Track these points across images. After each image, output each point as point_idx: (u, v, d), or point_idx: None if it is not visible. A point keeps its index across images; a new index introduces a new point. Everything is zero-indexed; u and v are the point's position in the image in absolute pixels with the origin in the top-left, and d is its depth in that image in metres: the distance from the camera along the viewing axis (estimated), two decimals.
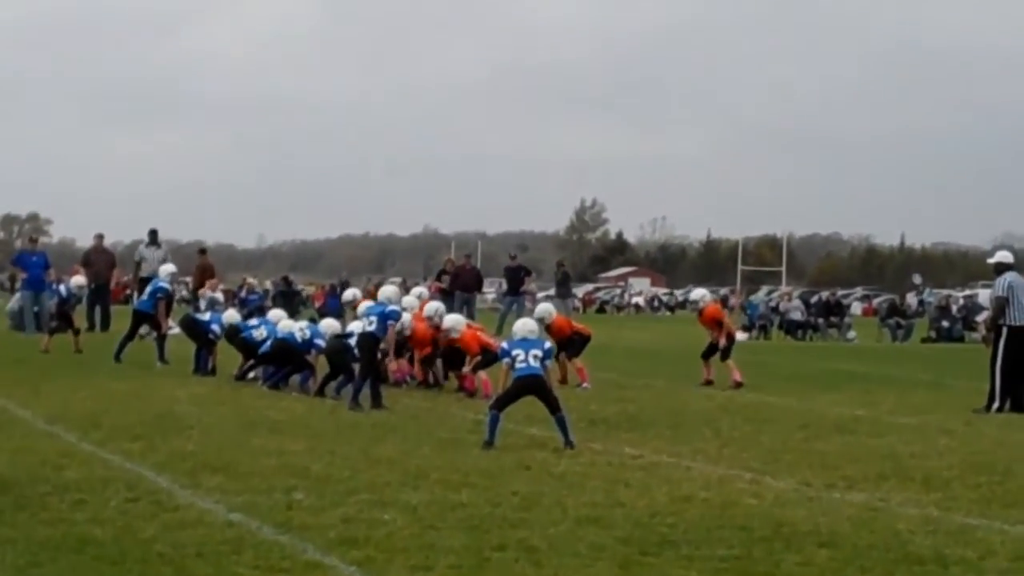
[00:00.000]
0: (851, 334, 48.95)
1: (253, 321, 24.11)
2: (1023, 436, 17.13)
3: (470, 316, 40.60)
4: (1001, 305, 20.59)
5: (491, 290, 78.88)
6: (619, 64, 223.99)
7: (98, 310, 37.44)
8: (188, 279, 52.40)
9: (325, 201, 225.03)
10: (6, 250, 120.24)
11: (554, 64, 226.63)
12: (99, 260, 38.34)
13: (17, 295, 38.41)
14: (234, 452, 13.99)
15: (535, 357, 15.09)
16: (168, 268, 28.62)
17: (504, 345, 15.58)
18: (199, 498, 11.24)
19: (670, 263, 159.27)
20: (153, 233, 39.03)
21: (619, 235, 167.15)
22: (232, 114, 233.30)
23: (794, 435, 16.59)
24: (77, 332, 29.26)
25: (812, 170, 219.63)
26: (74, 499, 11.03)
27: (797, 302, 51.99)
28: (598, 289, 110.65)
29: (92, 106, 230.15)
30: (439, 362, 22.23)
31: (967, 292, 76.12)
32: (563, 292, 47.12)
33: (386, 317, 19.45)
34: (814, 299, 55.52)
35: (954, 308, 54.24)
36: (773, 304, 54.65)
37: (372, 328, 19.31)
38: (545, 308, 21.06)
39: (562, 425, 14.86)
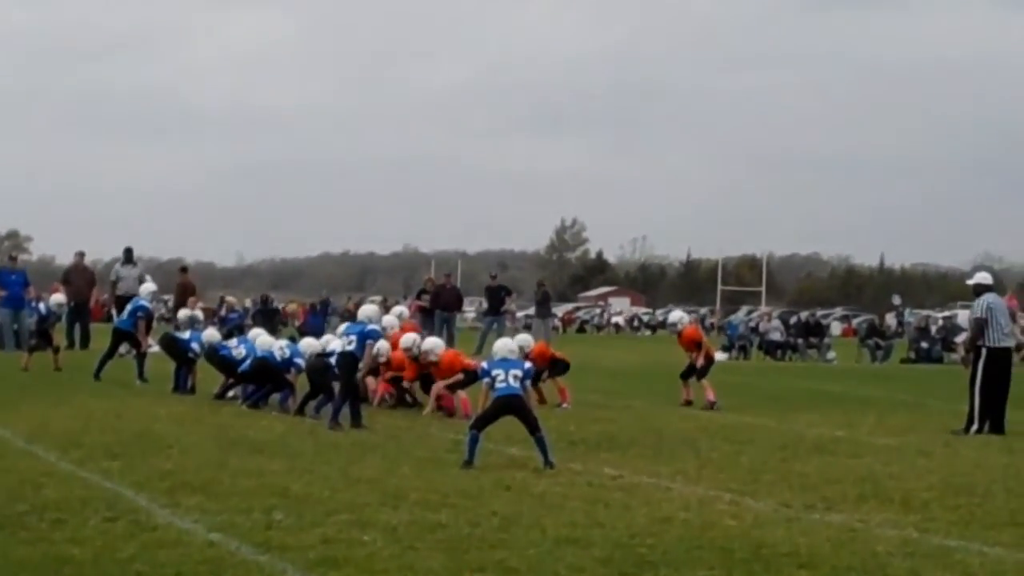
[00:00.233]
0: (831, 355, 49.02)
1: (233, 341, 24.09)
2: (1002, 458, 17.16)
3: (450, 335, 40.76)
4: (980, 326, 20.65)
5: (471, 309, 78.96)
6: (600, 83, 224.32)
7: (78, 328, 37.40)
8: (168, 297, 52.42)
9: (305, 219, 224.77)
10: None
11: (535, 82, 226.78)
12: (79, 278, 38.31)
13: None
14: (213, 471, 13.96)
15: (515, 377, 15.10)
16: (149, 287, 28.60)
17: (484, 365, 15.59)
18: (178, 518, 11.22)
19: (650, 283, 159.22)
20: (128, 251, 39.03)
21: (599, 254, 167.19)
22: (212, 132, 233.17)
23: (773, 456, 16.61)
24: (57, 350, 29.22)
25: (792, 190, 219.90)
26: (53, 518, 11.00)
27: (777, 322, 52.08)
28: (578, 308, 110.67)
29: (71, 123, 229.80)
30: (416, 383, 22.19)
31: (946, 313, 76.23)
32: (543, 312, 47.20)
33: (365, 336, 19.44)
34: (793, 319, 55.56)
35: (933, 329, 54.36)
36: (753, 324, 54.76)
37: (352, 347, 19.30)
38: (524, 338, 21.00)
39: (542, 445, 14.86)
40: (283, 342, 22.58)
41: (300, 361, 21.25)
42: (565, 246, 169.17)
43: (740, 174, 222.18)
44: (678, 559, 9.99)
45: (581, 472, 14.59)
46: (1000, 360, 20.56)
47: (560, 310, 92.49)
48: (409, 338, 21.49)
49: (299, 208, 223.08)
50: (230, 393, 22.62)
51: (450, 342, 38.83)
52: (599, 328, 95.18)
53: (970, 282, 21.60)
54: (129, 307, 27.48)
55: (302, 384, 21.12)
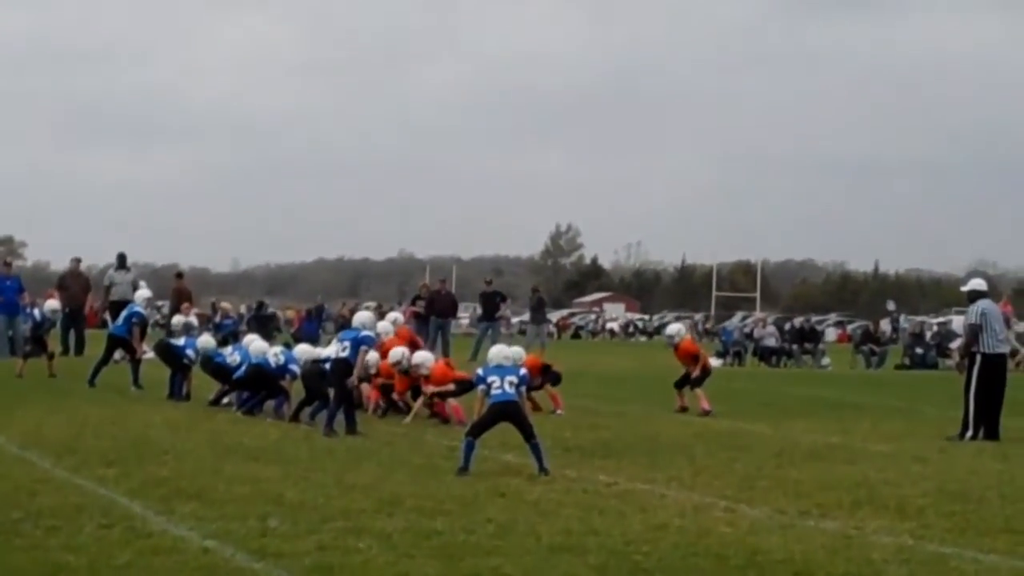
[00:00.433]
0: (825, 360, 49.02)
1: (228, 348, 24.09)
2: (997, 464, 17.17)
3: (445, 341, 40.76)
4: (975, 332, 20.66)
5: (466, 315, 78.98)
6: (594, 90, 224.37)
7: (72, 334, 37.39)
8: (163, 303, 52.38)
9: (300, 225, 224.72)
10: None
11: (529, 89, 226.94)
12: (74, 284, 38.33)
13: None
14: (208, 478, 13.96)
15: (510, 383, 15.12)
16: (144, 293, 28.58)
17: (479, 372, 15.59)
18: (173, 525, 11.23)
19: (645, 288, 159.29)
20: (122, 257, 39.07)
21: (594, 260, 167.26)
22: (206, 136, 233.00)
23: (768, 462, 16.62)
24: (51, 356, 29.21)
25: (786, 196, 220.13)
26: (48, 525, 11.00)
27: (771, 328, 52.05)
28: (573, 314, 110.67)
29: (66, 128, 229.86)
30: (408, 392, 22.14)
31: (941, 319, 76.32)
32: (538, 317, 47.14)
33: (359, 343, 19.44)
34: (788, 325, 55.58)
35: (928, 335, 54.38)
36: (747, 330, 54.74)
37: (346, 354, 19.31)
38: (515, 351, 20.83)
39: (537, 452, 14.87)
40: (278, 348, 22.56)
41: (295, 367, 21.24)
42: (560, 252, 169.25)
43: (735, 179, 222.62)
44: (673, 566, 10.00)
45: (576, 479, 14.60)
46: (995, 366, 20.57)
47: (555, 316, 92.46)
48: (398, 352, 21.37)
49: (294, 213, 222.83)
50: (225, 400, 22.63)
51: (445, 348, 38.98)
52: (594, 334, 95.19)
53: (965, 288, 21.60)
54: (124, 313, 27.46)
55: (297, 390, 21.11)
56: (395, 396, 21.96)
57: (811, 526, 11.96)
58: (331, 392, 19.30)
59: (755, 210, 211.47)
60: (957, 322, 54.17)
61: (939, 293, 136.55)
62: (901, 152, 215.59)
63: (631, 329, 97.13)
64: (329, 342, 22.31)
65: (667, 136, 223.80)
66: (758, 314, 73.74)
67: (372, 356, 20.28)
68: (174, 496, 12.70)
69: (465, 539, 10.84)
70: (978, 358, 20.56)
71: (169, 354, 24.58)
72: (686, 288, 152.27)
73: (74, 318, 37.37)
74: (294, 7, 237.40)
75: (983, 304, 20.82)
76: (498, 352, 15.96)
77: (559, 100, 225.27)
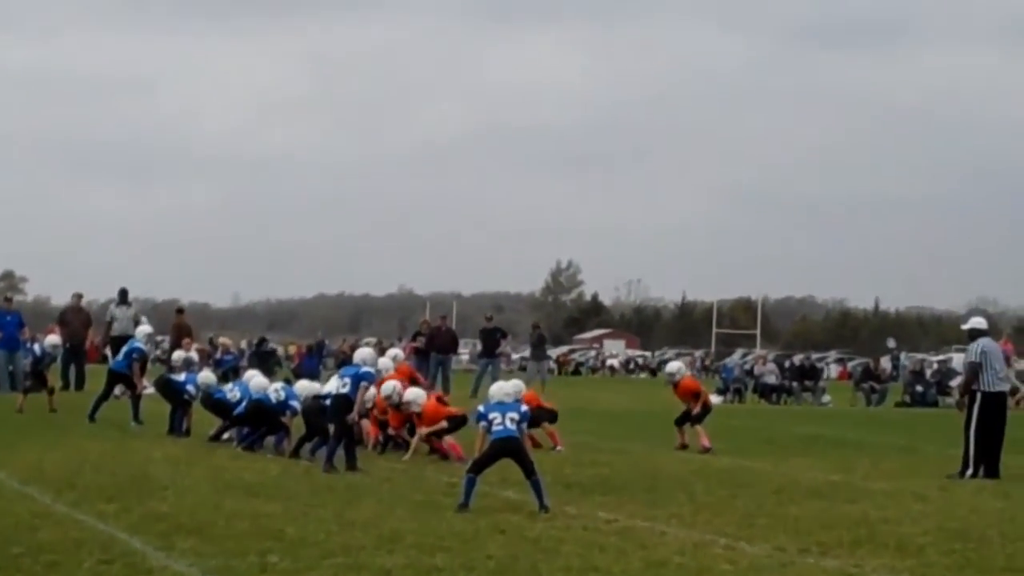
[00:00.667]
0: (825, 398, 48.98)
1: (228, 385, 24.09)
2: (997, 502, 17.15)
3: (445, 377, 40.77)
4: (975, 371, 20.66)
5: (466, 351, 78.97)
6: (595, 127, 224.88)
7: (73, 369, 37.38)
8: (162, 338, 52.36)
9: (300, 260, 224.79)
10: None
11: (530, 127, 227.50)
12: (75, 319, 38.30)
13: None
14: (208, 514, 13.96)
15: (512, 420, 15.13)
16: (145, 329, 28.59)
17: (480, 408, 15.59)
18: (173, 561, 11.22)
19: (645, 325, 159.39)
20: (123, 293, 39.12)
21: (594, 297, 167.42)
22: (208, 173, 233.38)
23: (768, 500, 16.61)
24: (51, 391, 29.20)
25: (787, 233, 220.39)
26: (48, 561, 11.00)
27: (772, 365, 52.00)
28: (573, 351, 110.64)
29: (67, 164, 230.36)
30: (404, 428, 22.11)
31: (941, 357, 76.31)
32: (538, 354, 47.16)
33: (359, 379, 19.44)
34: (788, 363, 55.54)
35: (928, 373, 54.35)
36: (748, 367, 54.70)
37: (347, 390, 19.31)
38: (515, 384, 20.80)
39: (537, 488, 14.86)
40: (278, 384, 22.54)
41: (295, 403, 21.23)
42: (560, 288, 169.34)
43: (735, 217, 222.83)
44: None
45: (576, 516, 14.59)
46: (995, 404, 20.57)
47: (555, 352, 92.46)
48: (389, 386, 21.26)
49: (294, 249, 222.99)
50: (225, 435, 22.62)
51: (445, 384, 38.98)
52: (594, 370, 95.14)
53: (965, 327, 21.60)
54: (124, 349, 27.46)
55: (297, 426, 21.10)
56: (391, 431, 21.93)
57: (811, 564, 11.95)
58: (331, 428, 19.29)
59: (755, 247, 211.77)
60: (957, 360, 54.19)
61: (939, 331, 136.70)
62: (901, 189, 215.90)
63: (631, 366, 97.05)
64: (329, 378, 22.28)
65: (667, 173, 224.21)
66: (758, 351, 73.74)
67: (371, 392, 20.26)
68: (174, 532, 12.69)
69: None
70: (978, 396, 20.55)
71: (169, 390, 24.57)
72: (686, 325, 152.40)
73: (75, 353, 37.38)
74: (296, 44, 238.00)
75: (983, 342, 20.82)
76: (499, 389, 16.00)
77: (560, 137, 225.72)
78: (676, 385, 24.60)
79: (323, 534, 12.78)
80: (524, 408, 15.75)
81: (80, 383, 36.81)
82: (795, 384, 49.86)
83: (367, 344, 43.04)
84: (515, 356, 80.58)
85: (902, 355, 72.73)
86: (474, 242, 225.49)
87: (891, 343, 76.30)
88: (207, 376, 24.70)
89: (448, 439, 20.97)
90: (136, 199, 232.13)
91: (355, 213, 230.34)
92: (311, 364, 51.28)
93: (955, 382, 43.16)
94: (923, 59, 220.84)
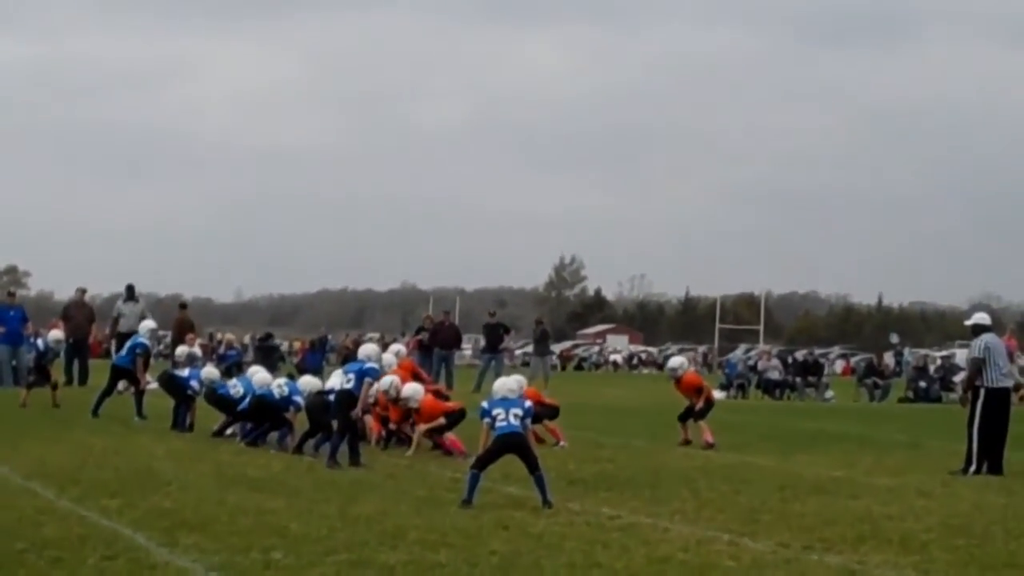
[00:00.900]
0: (829, 394, 48.95)
1: (232, 380, 24.08)
2: (1001, 499, 17.16)
3: (448, 373, 40.80)
4: (978, 366, 20.65)
5: (469, 347, 78.95)
6: (599, 122, 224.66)
7: (76, 364, 37.38)
8: (164, 333, 52.31)
9: (303, 256, 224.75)
10: None
11: (533, 120, 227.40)
12: (78, 314, 38.30)
13: None
14: (212, 510, 13.97)
15: (515, 416, 15.14)
16: (148, 324, 28.57)
17: (484, 405, 15.59)
18: (177, 556, 11.23)
19: (648, 320, 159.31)
20: (130, 288, 39.05)
21: (597, 292, 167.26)
22: (211, 168, 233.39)
23: (772, 496, 16.60)
24: (55, 386, 29.20)
25: (790, 229, 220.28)
26: (52, 556, 11.01)
27: (775, 361, 51.97)
28: (576, 346, 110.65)
29: (70, 159, 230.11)
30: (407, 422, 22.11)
31: (944, 352, 76.19)
32: (541, 349, 47.16)
33: (363, 375, 19.43)
34: (791, 358, 55.50)
35: (931, 368, 54.27)
36: (751, 363, 54.68)
37: (350, 385, 19.30)
38: (516, 380, 20.77)
39: (541, 484, 14.87)
40: (281, 380, 22.54)
41: (299, 399, 21.22)
42: (564, 283, 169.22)
43: (738, 212, 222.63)
44: None
45: (579, 512, 14.60)
46: (998, 400, 20.55)
47: (558, 348, 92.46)
48: (387, 380, 21.27)
49: (298, 244, 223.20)
50: (228, 431, 22.62)
51: (449, 380, 39.01)
52: (597, 366, 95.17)
53: (968, 322, 21.59)
54: (128, 344, 27.47)
55: (301, 422, 21.10)
56: (392, 426, 21.93)
57: (815, 560, 11.95)
58: (335, 424, 19.29)
59: (759, 242, 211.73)
60: (961, 356, 54.04)
61: (943, 326, 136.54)
62: (905, 185, 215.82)
63: (635, 361, 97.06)
64: (332, 373, 22.28)
65: (671, 169, 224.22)
66: (762, 347, 73.64)
67: (375, 388, 20.26)
68: (178, 527, 12.70)
69: (469, 572, 10.85)
70: (982, 392, 20.54)
71: (173, 385, 24.59)
72: (689, 320, 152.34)
73: (78, 348, 37.36)
74: (299, 42, 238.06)
75: (987, 338, 20.81)
76: (502, 385, 16.00)
77: (564, 133, 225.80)
78: (678, 381, 24.58)
79: (326, 530, 12.79)
80: (528, 404, 15.77)
81: (83, 378, 36.81)
82: (798, 380, 49.84)
83: (370, 340, 43.13)
84: (518, 351, 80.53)
85: (905, 351, 72.65)
86: (477, 237, 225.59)
87: (894, 338, 76.24)
88: (211, 371, 24.71)
89: (449, 435, 20.97)
90: (140, 193, 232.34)
91: (358, 208, 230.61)
92: (314, 360, 51.19)
93: (958, 378, 43.13)
94: (926, 55, 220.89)
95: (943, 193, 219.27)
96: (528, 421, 15.65)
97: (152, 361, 29.27)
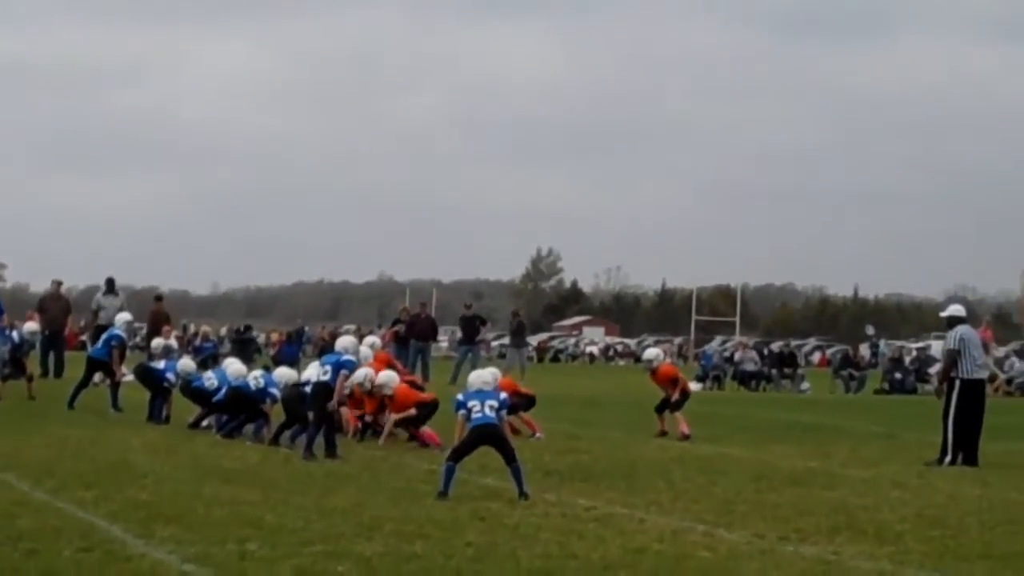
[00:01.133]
0: (804, 385, 49.08)
1: (208, 373, 24.04)
2: (975, 489, 17.22)
3: (424, 364, 40.78)
4: (953, 358, 20.72)
5: (445, 339, 78.92)
6: (576, 114, 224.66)
7: (52, 356, 37.26)
8: (140, 325, 52.23)
9: (279, 248, 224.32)
10: None
11: (510, 115, 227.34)
12: (54, 306, 38.15)
13: None
14: (188, 501, 13.95)
15: (491, 407, 15.14)
16: (124, 316, 28.51)
17: (459, 397, 15.59)
18: (153, 548, 11.21)
19: (625, 312, 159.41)
20: (110, 282, 38.91)
21: (574, 284, 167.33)
22: (186, 160, 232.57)
23: (747, 487, 16.64)
24: (30, 379, 29.14)
25: (766, 221, 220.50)
26: (27, 549, 10.98)
27: (751, 352, 52.07)
28: (553, 338, 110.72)
29: (45, 151, 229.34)
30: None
31: (920, 344, 76.44)
32: (518, 341, 47.23)
33: (340, 367, 19.40)
34: (767, 350, 55.61)
35: (907, 360, 54.45)
36: (727, 354, 54.78)
37: (327, 377, 19.28)
38: (491, 372, 20.69)
39: (517, 476, 14.88)
40: (257, 372, 22.51)
41: (275, 391, 21.20)
42: (540, 275, 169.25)
43: (714, 205, 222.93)
44: None
45: (555, 503, 14.61)
46: (973, 392, 20.63)
47: (535, 339, 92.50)
48: (361, 373, 21.23)
49: (274, 236, 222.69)
50: (204, 422, 22.59)
51: (425, 371, 38.99)
52: (573, 357, 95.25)
53: (944, 314, 21.66)
54: (104, 336, 27.42)
55: (278, 414, 21.08)
56: (367, 418, 21.91)
57: (790, 551, 11.98)
58: (311, 416, 19.26)
59: (735, 235, 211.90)
60: (936, 347, 54.29)
61: (919, 318, 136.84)
62: (881, 179, 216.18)
63: (611, 353, 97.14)
64: (308, 365, 22.25)
65: (647, 162, 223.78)
66: (738, 338, 73.76)
67: (351, 380, 20.23)
68: (153, 519, 12.68)
69: (444, 563, 10.86)
70: (957, 383, 20.61)
71: (149, 377, 24.55)
72: (666, 312, 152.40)
73: (54, 340, 37.25)
74: (276, 33, 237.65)
75: (962, 330, 20.89)
76: (477, 377, 15.99)
77: (540, 126, 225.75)
78: (654, 372, 24.62)
79: (302, 522, 12.78)
80: (503, 396, 15.77)
81: (59, 370, 36.70)
82: (774, 371, 49.99)
83: (347, 332, 43.10)
84: (495, 343, 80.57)
85: (881, 342, 72.74)
86: (454, 229, 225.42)
87: (870, 330, 76.30)
88: (187, 364, 24.65)
89: (425, 427, 20.96)
90: (115, 187, 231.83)
91: (335, 200, 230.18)
92: (291, 351, 51.19)
93: (934, 369, 43.28)
94: (903, 49, 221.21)
95: (919, 185, 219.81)
96: (504, 413, 15.66)
97: (128, 353, 29.21)
